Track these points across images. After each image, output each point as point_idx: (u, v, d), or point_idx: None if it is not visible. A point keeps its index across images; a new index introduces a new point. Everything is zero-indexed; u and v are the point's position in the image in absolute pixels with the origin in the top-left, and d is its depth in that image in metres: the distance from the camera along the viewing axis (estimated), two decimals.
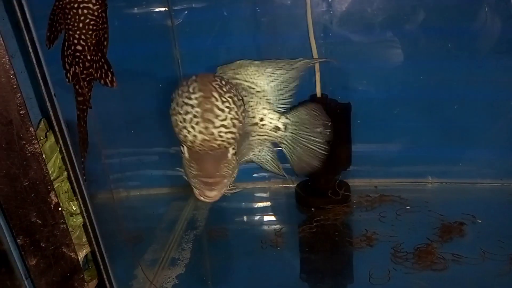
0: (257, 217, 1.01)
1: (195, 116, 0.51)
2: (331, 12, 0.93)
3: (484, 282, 0.73)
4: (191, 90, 0.52)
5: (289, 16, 0.95)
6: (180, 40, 0.99)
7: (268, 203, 1.06)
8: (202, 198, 0.55)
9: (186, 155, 0.55)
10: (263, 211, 1.03)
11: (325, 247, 0.86)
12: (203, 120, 0.51)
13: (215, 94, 0.51)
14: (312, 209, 0.96)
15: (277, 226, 0.93)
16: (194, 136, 0.51)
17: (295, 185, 1.01)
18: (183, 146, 0.54)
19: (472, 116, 0.95)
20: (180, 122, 0.51)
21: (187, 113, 0.51)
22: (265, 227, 0.96)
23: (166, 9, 0.97)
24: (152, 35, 0.98)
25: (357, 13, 0.93)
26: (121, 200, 0.83)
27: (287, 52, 0.96)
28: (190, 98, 0.51)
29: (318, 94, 0.94)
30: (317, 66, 0.92)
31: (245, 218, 1.00)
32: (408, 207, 0.93)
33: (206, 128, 0.51)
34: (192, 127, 0.51)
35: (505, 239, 0.79)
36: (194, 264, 0.85)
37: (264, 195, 1.07)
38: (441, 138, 0.99)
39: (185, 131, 0.51)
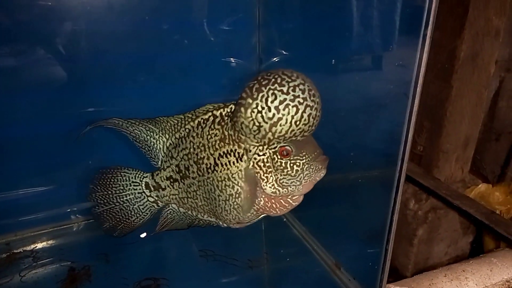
0: None
1: (313, 95, 0.58)
2: None
3: None
4: (294, 77, 0.58)
5: None
6: None
7: None
8: (322, 174, 0.65)
9: (294, 151, 0.62)
10: None
11: None
12: (318, 95, 0.59)
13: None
14: None
15: None
16: (315, 113, 0.59)
17: None
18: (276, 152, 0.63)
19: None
20: (307, 107, 0.58)
21: (308, 96, 0.58)
22: None
23: None
24: None
25: None
26: None
27: None
28: (303, 84, 0.58)
29: None
30: None
31: None
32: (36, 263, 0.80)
33: (319, 103, 0.59)
34: (315, 108, 0.59)
35: (129, 275, 0.77)
36: None
37: None
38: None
39: (306, 114, 0.58)
